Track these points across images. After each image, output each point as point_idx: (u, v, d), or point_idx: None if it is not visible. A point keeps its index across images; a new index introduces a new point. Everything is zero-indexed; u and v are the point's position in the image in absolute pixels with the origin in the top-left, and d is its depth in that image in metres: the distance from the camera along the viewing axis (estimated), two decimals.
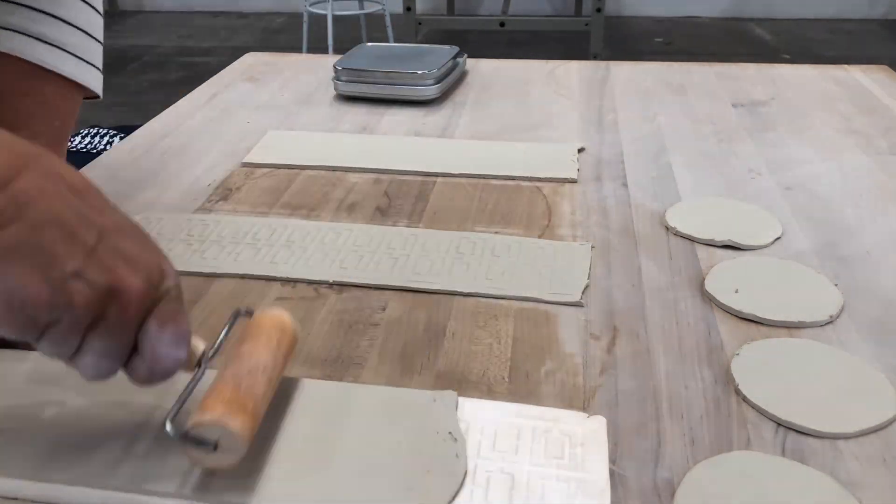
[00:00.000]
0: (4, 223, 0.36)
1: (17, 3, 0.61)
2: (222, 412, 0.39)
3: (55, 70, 0.61)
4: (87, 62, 0.64)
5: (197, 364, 0.43)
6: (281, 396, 0.47)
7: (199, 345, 0.43)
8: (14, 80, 0.60)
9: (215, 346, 0.44)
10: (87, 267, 0.37)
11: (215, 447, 0.39)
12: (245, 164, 0.83)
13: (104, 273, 0.38)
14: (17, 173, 0.37)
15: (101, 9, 0.67)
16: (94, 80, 0.66)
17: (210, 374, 0.43)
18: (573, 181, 0.78)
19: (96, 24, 0.66)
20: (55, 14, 0.62)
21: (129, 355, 0.40)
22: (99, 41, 0.66)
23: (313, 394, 0.48)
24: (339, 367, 0.52)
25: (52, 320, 0.37)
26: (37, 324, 0.37)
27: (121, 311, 0.38)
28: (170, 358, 0.40)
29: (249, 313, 0.47)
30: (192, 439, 0.39)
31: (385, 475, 0.42)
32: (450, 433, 0.44)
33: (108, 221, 0.39)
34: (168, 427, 0.39)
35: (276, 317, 0.47)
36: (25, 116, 0.61)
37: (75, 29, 0.63)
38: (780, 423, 0.47)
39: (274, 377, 0.44)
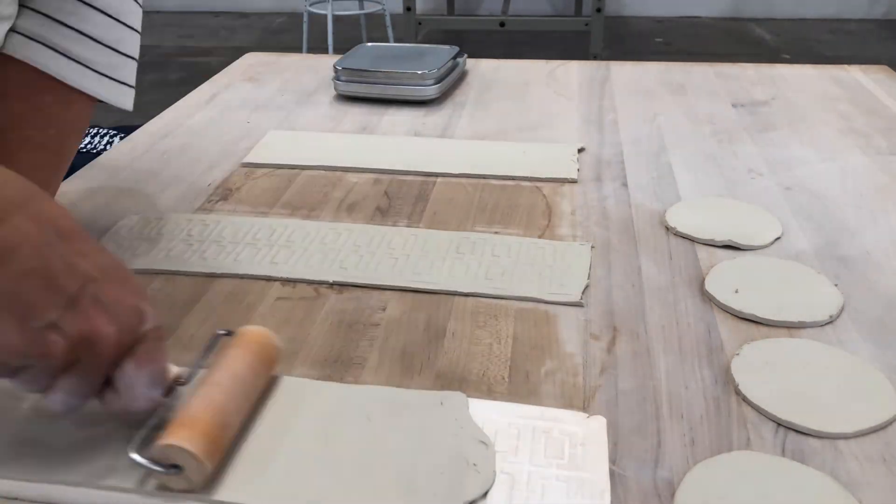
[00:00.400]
0: None
1: (36, 11, 0.60)
2: (180, 436, 0.40)
3: (59, 78, 0.61)
4: (107, 76, 0.63)
5: (169, 392, 0.44)
6: (286, 398, 0.47)
7: (173, 372, 0.45)
8: (14, 84, 0.60)
9: (191, 371, 0.45)
10: (64, 317, 0.38)
11: (179, 469, 0.40)
12: (245, 165, 0.83)
13: (81, 323, 0.38)
14: (3, 218, 0.37)
15: (137, 25, 0.65)
16: (112, 93, 0.64)
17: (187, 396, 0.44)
18: (573, 181, 0.78)
19: (128, 40, 0.64)
20: (75, 27, 0.61)
21: (100, 388, 0.41)
22: (129, 56, 0.64)
23: (319, 395, 0.48)
24: (339, 367, 0.52)
25: (25, 366, 0.38)
26: (8, 367, 0.38)
27: (94, 357, 0.39)
28: (145, 397, 0.42)
29: (229, 333, 0.48)
30: (156, 464, 0.40)
31: (393, 475, 0.42)
32: (481, 441, 0.44)
33: (92, 266, 0.40)
34: (132, 454, 0.40)
35: (251, 332, 0.47)
36: (18, 120, 0.60)
37: (97, 43, 0.62)
38: (780, 423, 0.47)
39: (248, 391, 0.44)
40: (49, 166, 0.62)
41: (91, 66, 0.62)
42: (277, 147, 0.87)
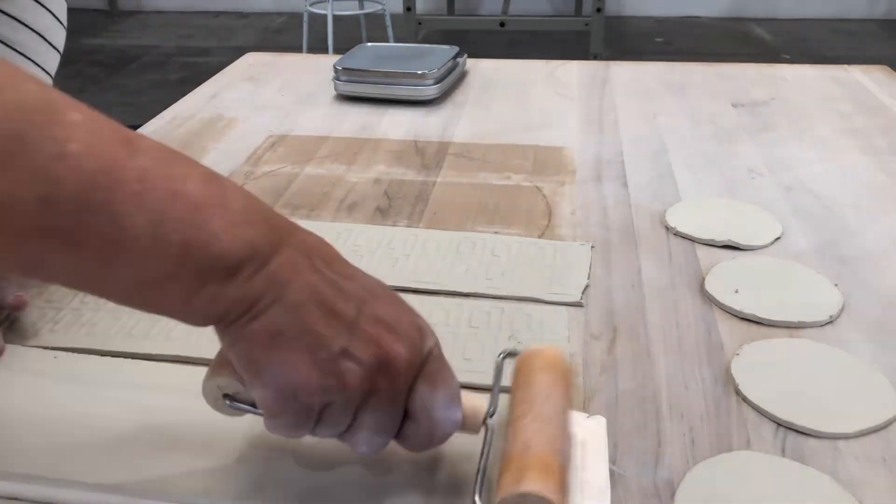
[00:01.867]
0: (266, 306, 0.35)
1: None
2: (538, 483, 0.36)
3: None
4: (34, 62, 0.60)
5: (482, 424, 0.41)
6: None
7: (474, 401, 0.41)
8: None
9: (492, 402, 0.42)
10: (352, 343, 0.36)
11: None
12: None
13: (370, 346, 0.36)
14: (274, 250, 0.36)
15: (64, 21, 0.63)
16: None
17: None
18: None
19: (56, 33, 0.62)
20: (9, 13, 0.59)
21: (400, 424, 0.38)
22: (56, 49, 0.62)
23: None
24: None
25: (326, 404, 0.36)
26: (311, 411, 0.36)
27: (391, 383, 0.37)
28: (448, 421, 0.39)
29: (514, 354, 0.45)
30: None
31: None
32: None
33: (361, 288, 0.38)
34: (478, 502, 0.37)
35: (552, 353, 0.43)
36: None
37: (31, 31, 0.59)
38: (779, 423, 0.47)
39: (568, 424, 0.41)
40: None
41: (16, 48, 0.59)
42: None
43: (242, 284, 0.34)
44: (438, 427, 0.39)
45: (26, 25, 0.61)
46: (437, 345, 0.40)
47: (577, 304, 0.58)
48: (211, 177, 0.36)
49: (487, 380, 0.50)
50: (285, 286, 0.35)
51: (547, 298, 0.59)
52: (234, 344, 0.36)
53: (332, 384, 0.35)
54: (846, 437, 0.46)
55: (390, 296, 0.40)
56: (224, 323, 0.35)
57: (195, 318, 0.35)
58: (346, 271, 0.38)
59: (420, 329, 0.39)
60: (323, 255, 0.38)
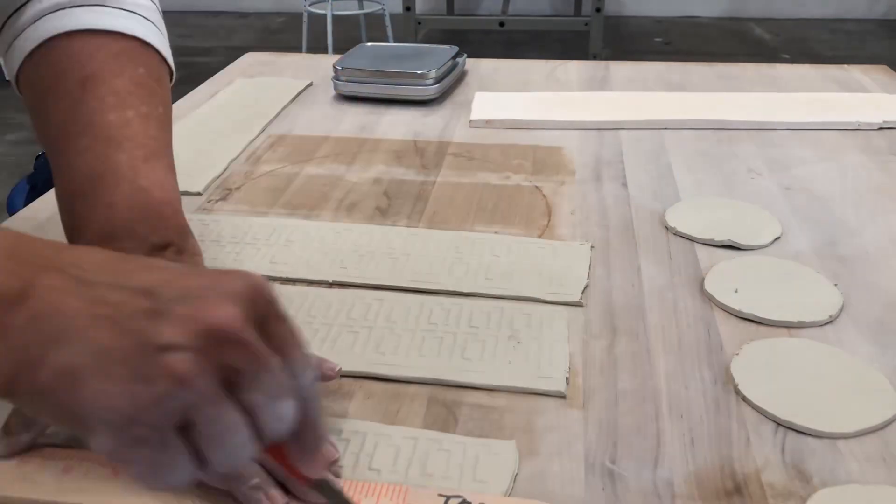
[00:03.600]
0: (42, 350, 0.30)
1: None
2: None
3: (148, 42, 0.54)
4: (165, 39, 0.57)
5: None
6: None
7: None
8: (104, 61, 0.52)
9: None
10: (162, 332, 0.30)
11: None
12: (473, 123, 0.92)
13: (188, 324, 0.31)
14: (28, 284, 0.31)
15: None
16: (169, 58, 0.58)
17: None
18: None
19: (158, 19, 0.59)
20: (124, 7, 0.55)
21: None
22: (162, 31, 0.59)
23: None
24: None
25: (181, 416, 0.30)
26: (164, 434, 0.30)
27: (242, 346, 0.31)
28: (315, 383, 0.34)
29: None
30: None
31: None
32: None
33: (156, 277, 0.33)
34: None
35: None
36: (126, 96, 0.52)
37: (142, 18, 0.56)
38: (779, 423, 0.47)
39: None
40: (166, 132, 0.54)
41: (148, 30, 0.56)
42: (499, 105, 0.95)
43: (2, 337, 0.30)
44: (311, 389, 0.34)
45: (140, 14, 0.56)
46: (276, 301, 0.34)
47: (577, 304, 0.58)
48: None
49: (487, 380, 0.50)
50: (53, 317, 0.30)
51: (547, 298, 0.59)
52: (36, 404, 0.31)
53: (165, 386, 0.30)
54: (845, 436, 0.46)
55: (200, 270, 0.35)
56: (9, 388, 0.31)
57: None
58: (129, 266, 0.33)
59: (248, 279, 0.33)
60: (95, 264, 0.33)
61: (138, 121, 0.51)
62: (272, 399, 0.32)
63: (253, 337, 0.32)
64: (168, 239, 0.48)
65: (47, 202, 0.73)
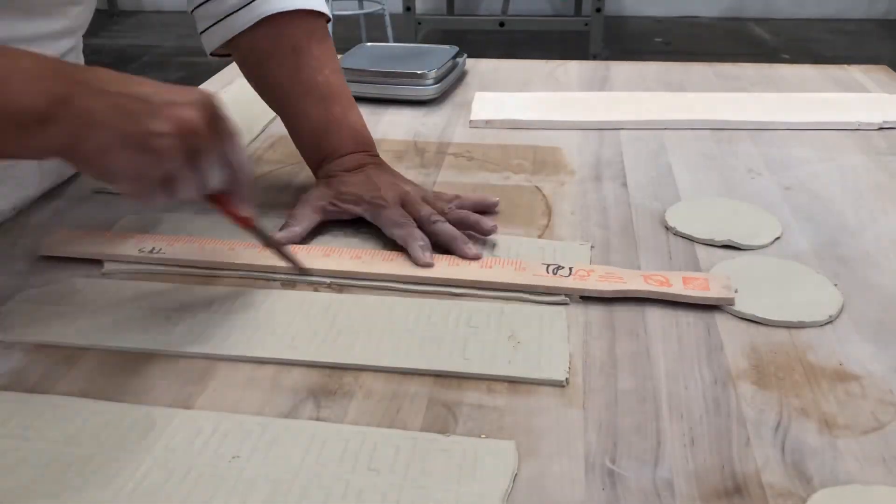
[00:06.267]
0: (84, 132, 0.47)
1: None
2: None
3: (319, 11, 0.74)
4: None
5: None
6: None
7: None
8: (302, 34, 0.73)
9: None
10: (154, 124, 0.47)
11: None
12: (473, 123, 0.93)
13: (170, 121, 0.48)
14: (71, 90, 0.47)
15: None
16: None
17: None
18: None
19: None
20: None
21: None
22: None
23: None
24: (339, 367, 0.52)
25: (165, 169, 0.48)
26: (156, 179, 0.49)
27: (201, 135, 0.49)
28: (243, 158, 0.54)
29: None
30: None
31: None
32: None
33: (151, 89, 0.49)
34: None
35: None
36: (321, 57, 0.73)
37: None
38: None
39: None
40: (344, 79, 0.75)
41: None
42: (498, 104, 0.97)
43: (59, 122, 0.46)
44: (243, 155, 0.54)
45: None
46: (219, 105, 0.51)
47: (577, 304, 0.58)
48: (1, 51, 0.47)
49: (486, 370, 0.50)
50: (88, 111, 0.47)
51: (546, 299, 0.59)
52: (82, 166, 0.50)
53: (158, 157, 0.48)
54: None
55: (177, 87, 0.50)
56: (69, 154, 0.48)
57: (33, 155, 0.52)
58: (130, 81, 0.49)
59: (205, 95, 0.50)
60: (109, 79, 0.49)
61: (333, 77, 0.73)
62: (214, 165, 0.51)
63: (206, 130, 0.49)
64: (374, 152, 0.74)
65: None
